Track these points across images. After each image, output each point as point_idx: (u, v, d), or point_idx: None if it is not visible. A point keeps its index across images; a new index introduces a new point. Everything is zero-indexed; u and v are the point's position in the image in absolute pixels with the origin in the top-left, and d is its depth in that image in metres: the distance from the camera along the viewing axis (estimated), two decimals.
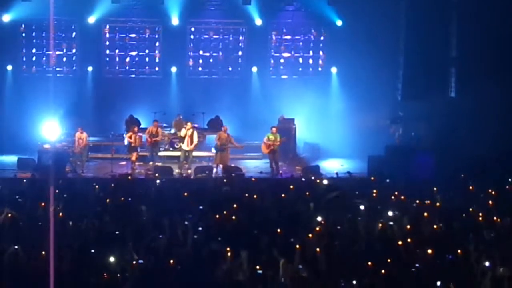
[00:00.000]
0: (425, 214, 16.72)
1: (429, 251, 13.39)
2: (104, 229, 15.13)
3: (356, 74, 32.46)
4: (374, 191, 19.93)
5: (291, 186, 20.80)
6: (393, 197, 19.12)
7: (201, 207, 17.45)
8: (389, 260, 12.79)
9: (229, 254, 12.91)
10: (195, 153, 29.37)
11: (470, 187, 21.03)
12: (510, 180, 22.16)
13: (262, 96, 34.72)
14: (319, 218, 16.15)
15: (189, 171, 27.75)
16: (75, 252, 13.00)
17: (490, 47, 29.16)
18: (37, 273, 12.07)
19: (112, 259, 12.60)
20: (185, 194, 19.10)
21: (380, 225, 15.44)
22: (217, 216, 16.28)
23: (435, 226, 15.66)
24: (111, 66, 35.32)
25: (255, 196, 19.11)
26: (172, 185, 22.19)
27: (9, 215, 16.11)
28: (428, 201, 18.46)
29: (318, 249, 13.25)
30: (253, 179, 24.13)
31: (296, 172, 27.66)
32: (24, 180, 22.30)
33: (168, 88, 34.86)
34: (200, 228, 15.09)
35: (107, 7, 33.19)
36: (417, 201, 18.44)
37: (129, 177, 23.97)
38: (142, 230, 15.04)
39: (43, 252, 12.38)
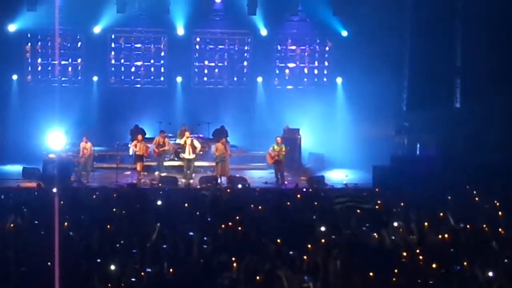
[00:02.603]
0: (430, 224, 16.69)
1: (435, 262, 13.37)
2: (109, 239, 15.11)
3: (361, 85, 32.47)
4: (379, 201, 19.92)
5: (298, 196, 20.83)
6: (397, 209, 19.08)
7: (204, 217, 17.46)
8: (396, 271, 12.76)
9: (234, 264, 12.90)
10: (198, 163, 29.46)
11: (476, 198, 20.99)
12: None
13: (267, 106, 34.77)
14: (323, 228, 16.15)
15: (191, 181, 27.74)
16: (80, 262, 12.97)
17: (495, 57, 29.15)
18: (42, 284, 12.05)
19: (118, 268, 12.59)
20: (189, 204, 19.03)
21: (385, 235, 15.41)
22: (222, 226, 16.27)
23: (440, 237, 15.63)
24: (117, 76, 35.39)
25: (260, 207, 19.10)
26: (177, 195, 22.18)
27: (12, 225, 16.12)
28: (434, 212, 18.43)
29: (323, 260, 13.22)
30: (258, 189, 24.07)
31: (301, 182, 27.66)
32: (36, 192, 22.14)
33: (174, 98, 34.91)
34: (205, 239, 15.07)
35: (112, 17, 33.26)
36: (423, 212, 18.41)
37: (135, 187, 23.95)
38: (147, 240, 15.02)
39: (49, 263, 12.35)
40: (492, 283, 12.31)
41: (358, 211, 18.43)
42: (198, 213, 17.95)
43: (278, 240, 14.82)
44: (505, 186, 22.61)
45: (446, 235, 15.68)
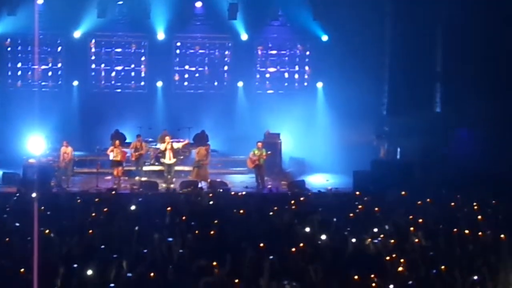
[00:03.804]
0: (411, 228, 16.75)
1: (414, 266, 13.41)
2: (89, 244, 15.07)
3: (341, 89, 32.47)
4: (360, 206, 19.98)
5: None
6: (377, 214, 19.14)
7: (185, 222, 17.45)
8: (372, 276, 12.78)
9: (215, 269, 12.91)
10: (179, 168, 29.47)
11: (454, 202, 21.07)
12: (495, 195, 22.18)
13: (248, 111, 34.74)
14: (307, 229, 16.21)
15: (172, 185, 27.70)
16: (60, 266, 12.92)
17: (475, 62, 29.28)
18: None
19: (97, 273, 12.56)
20: (170, 208, 18.97)
21: (367, 240, 15.46)
22: (202, 230, 16.27)
23: (420, 241, 15.68)
24: (97, 80, 35.26)
25: (241, 211, 19.10)
26: (158, 199, 22.14)
27: None
28: (413, 216, 18.49)
29: (304, 265, 13.24)
30: (239, 194, 24.02)
31: (282, 186, 27.67)
32: (15, 197, 21.92)
33: (154, 103, 34.81)
34: (186, 243, 15.06)
35: (93, 22, 33.13)
36: (402, 216, 18.48)
37: (113, 192, 23.89)
38: (127, 244, 14.99)
39: (28, 268, 12.30)
40: (475, 286, 12.37)
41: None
42: (178, 217, 17.93)
43: (261, 244, 14.84)
44: (484, 190, 22.71)
45: (425, 239, 15.76)
